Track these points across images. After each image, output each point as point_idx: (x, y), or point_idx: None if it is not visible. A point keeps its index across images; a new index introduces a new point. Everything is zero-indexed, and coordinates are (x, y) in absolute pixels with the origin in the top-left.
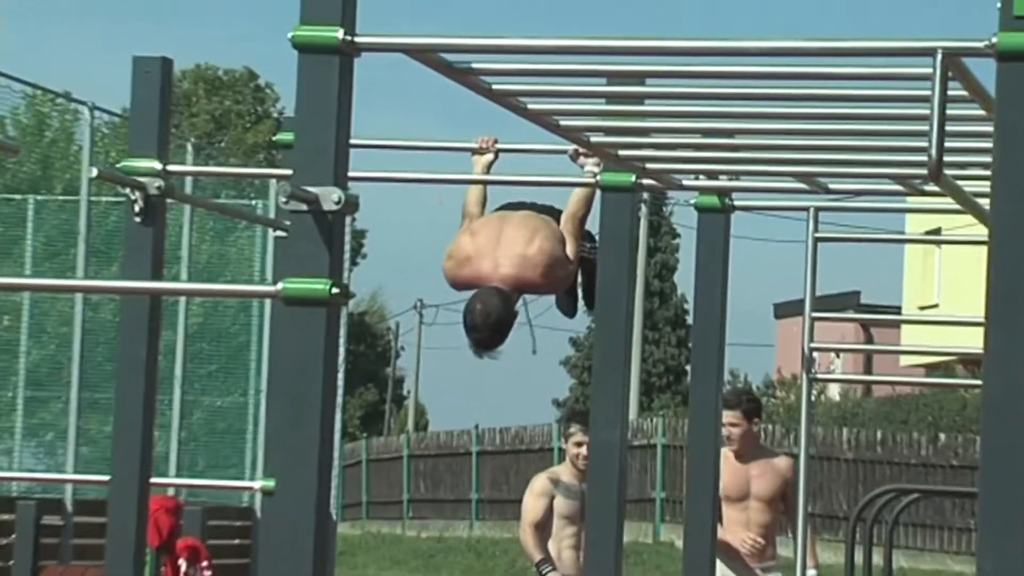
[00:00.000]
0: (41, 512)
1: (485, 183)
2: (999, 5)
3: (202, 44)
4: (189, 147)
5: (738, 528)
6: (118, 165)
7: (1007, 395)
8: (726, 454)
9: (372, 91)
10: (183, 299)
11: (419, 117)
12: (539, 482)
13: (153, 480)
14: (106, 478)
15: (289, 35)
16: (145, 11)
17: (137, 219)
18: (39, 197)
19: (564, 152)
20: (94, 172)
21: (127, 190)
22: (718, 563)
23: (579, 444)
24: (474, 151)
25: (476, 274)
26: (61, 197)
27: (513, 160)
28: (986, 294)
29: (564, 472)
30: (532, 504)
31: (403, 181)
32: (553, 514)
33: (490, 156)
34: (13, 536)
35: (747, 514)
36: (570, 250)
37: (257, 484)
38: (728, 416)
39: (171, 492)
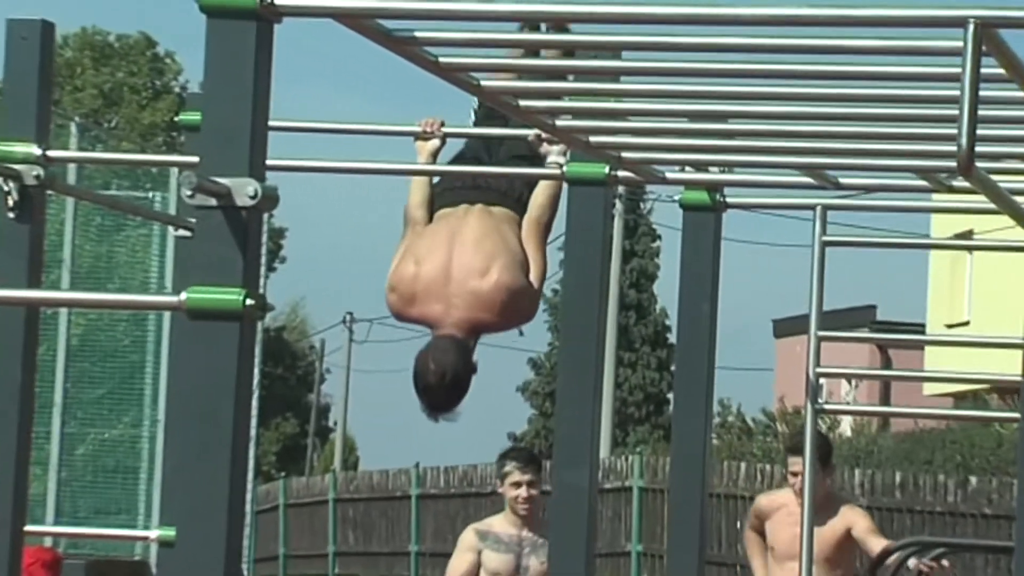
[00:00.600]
0: None
1: (430, 174)
2: None
3: (89, 3)
4: (73, 128)
5: None
6: None
7: None
8: (783, 501)
9: (294, 61)
10: (64, 310)
11: (351, 94)
12: (465, 536)
13: (28, 528)
14: None
15: None
16: None
17: (10, 214)
18: None
19: (524, 137)
20: None
21: None
22: None
23: (517, 484)
24: (417, 135)
25: (424, 316)
26: None
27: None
28: None
29: (497, 522)
30: (453, 562)
31: (331, 171)
32: (481, 572)
33: (436, 142)
34: None
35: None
36: (535, 272)
37: (153, 533)
38: (793, 463)
39: (49, 542)
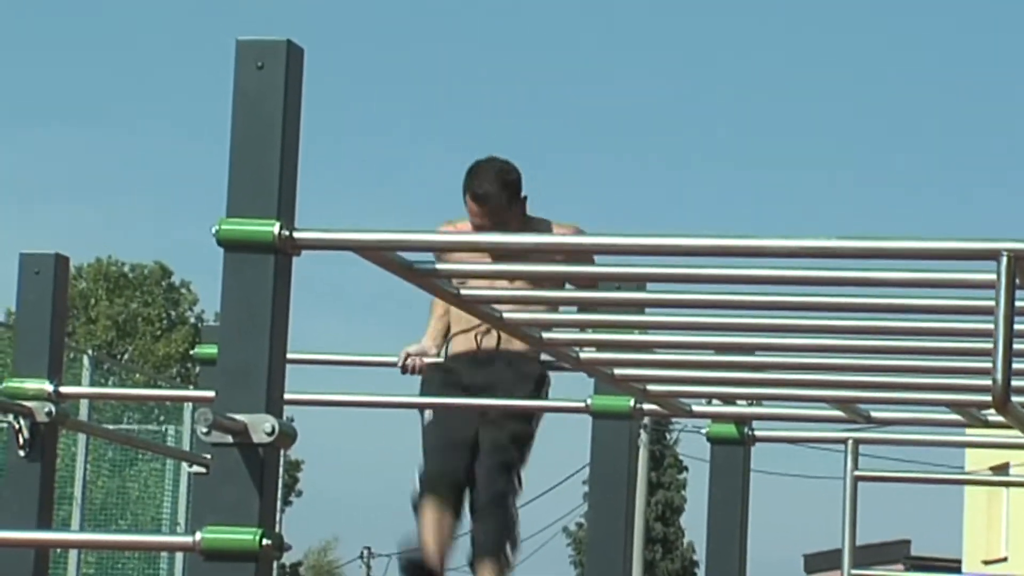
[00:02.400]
0: None
1: (431, 406)
2: None
3: (104, 234)
4: (86, 360)
5: None
6: (2, 386)
7: None
8: None
9: (310, 291)
10: (74, 551)
11: (368, 324)
12: None
13: None
14: None
15: (213, 229)
16: (34, 193)
17: (21, 452)
18: None
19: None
20: None
21: (9, 417)
22: None
23: None
24: (402, 369)
25: None
26: None
27: None
28: None
29: None
30: None
31: (350, 405)
32: None
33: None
34: None
35: None
36: None
37: None
38: None
39: None
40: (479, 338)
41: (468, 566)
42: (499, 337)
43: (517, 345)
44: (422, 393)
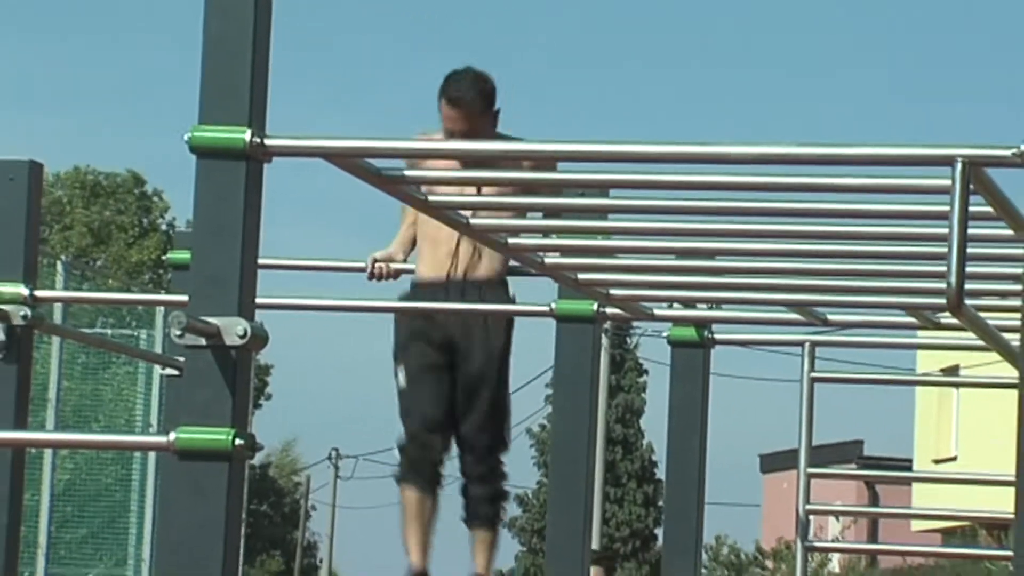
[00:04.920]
0: None
1: (407, 311)
2: None
3: (78, 142)
4: (60, 267)
5: None
6: None
7: None
8: None
9: (281, 199)
10: (48, 451)
11: (338, 231)
12: None
13: None
14: None
15: (185, 136)
16: (9, 98)
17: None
18: None
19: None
20: None
21: None
22: None
23: None
24: (370, 275)
25: None
26: None
27: None
28: (1017, 445)
29: None
30: None
31: (319, 309)
32: None
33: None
34: None
35: None
36: None
37: None
38: None
39: None
40: (450, 267)
41: (463, 521)
42: (466, 265)
43: (483, 271)
44: (396, 336)
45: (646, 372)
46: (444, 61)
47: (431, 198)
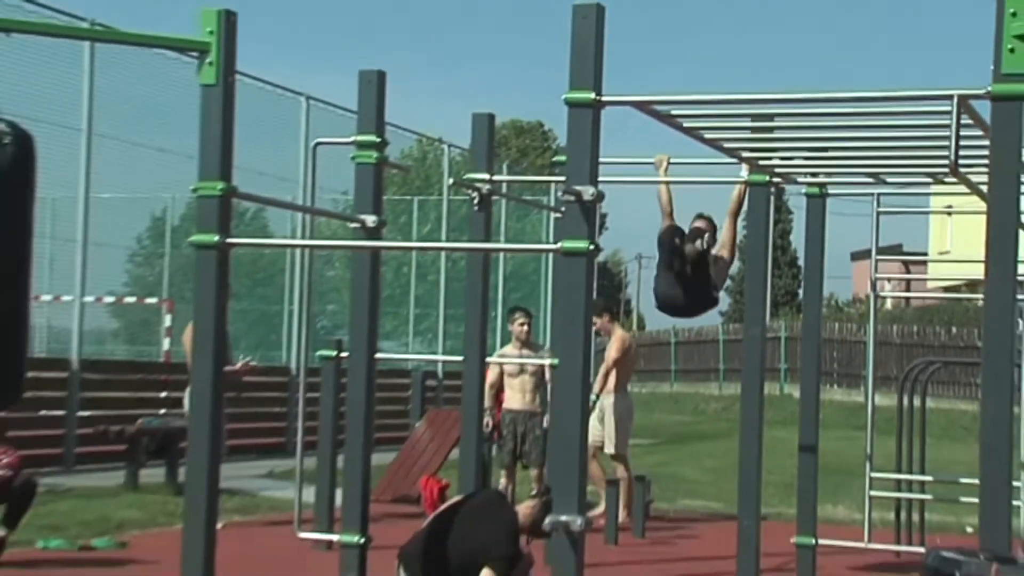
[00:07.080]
0: (425, 378)
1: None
2: (992, 67)
3: (506, 98)
4: (504, 166)
5: None
6: (463, 176)
7: (998, 306)
8: None
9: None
10: (501, 255)
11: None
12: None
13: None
14: (460, 358)
15: (563, 96)
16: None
17: (476, 209)
18: (420, 198)
19: (723, 163)
20: (451, 181)
21: (470, 192)
22: None
23: (521, 324)
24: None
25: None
26: (432, 198)
27: (685, 169)
28: (985, 245)
29: (509, 348)
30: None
31: (621, 183)
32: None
33: (665, 164)
34: (409, 392)
35: None
36: (726, 251)
37: None
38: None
39: None
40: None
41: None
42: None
43: None
44: None
45: (792, 212)
46: None
47: (685, 124)
